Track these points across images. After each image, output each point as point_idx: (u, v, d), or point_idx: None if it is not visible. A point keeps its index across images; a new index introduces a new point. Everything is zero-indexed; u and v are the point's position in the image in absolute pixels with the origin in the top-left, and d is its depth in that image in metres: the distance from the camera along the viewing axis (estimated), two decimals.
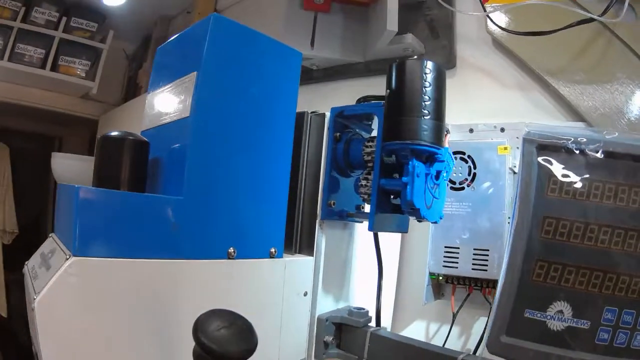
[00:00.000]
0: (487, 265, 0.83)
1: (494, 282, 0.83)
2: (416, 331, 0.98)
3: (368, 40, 1.11)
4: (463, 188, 0.87)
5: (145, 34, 2.02)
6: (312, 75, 1.32)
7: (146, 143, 0.59)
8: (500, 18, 0.92)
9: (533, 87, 0.92)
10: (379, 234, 0.77)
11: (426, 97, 0.58)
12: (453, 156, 0.87)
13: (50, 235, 0.63)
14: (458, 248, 0.86)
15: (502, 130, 0.91)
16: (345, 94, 1.18)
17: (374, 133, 0.74)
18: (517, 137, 0.88)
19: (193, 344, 0.41)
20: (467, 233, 0.86)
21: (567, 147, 0.54)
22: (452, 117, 0.95)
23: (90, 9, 1.76)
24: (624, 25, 0.79)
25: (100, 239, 0.48)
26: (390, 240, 0.96)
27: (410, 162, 0.57)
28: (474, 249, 0.85)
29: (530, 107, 0.92)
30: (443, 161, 0.61)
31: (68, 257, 0.47)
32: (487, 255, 0.83)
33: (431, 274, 0.89)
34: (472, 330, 0.92)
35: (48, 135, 2.22)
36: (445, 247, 0.88)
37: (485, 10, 0.89)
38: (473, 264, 0.85)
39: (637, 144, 0.53)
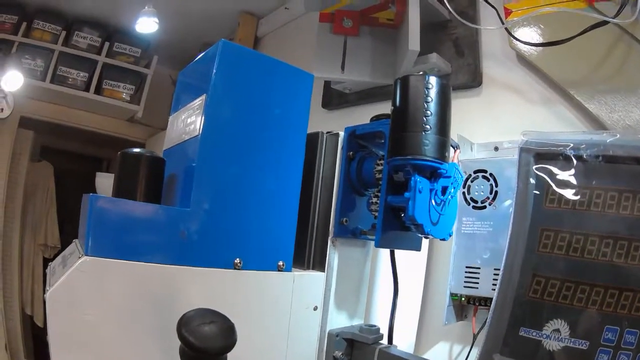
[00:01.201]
0: None
1: None
2: (439, 352, 1.00)
3: (396, 61, 1.17)
4: (485, 207, 0.90)
5: (189, 60, 2.16)
6: (347, 99, 1.40)
7: (161, 160, 0.68)
8: (522, 32, 0.95)
9: (557, 101, 0.94)
10: (403, 253, 0.81)
11: (428, 112, 0.62)
12: (473, 173, 0.91)
13: (74, 241, 0.70)
14: (479, 268, 0.89)
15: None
16: None
17: None
18: None
19: None
20: (488, 253, 0.88)
21: (566, 154, 0.55)
22: (478, 135, 0.99)
23: (133, 35, 1.92)
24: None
25: (110, 242, 0.55)
26: (416, 261, 0.99)
27: (412, 178, 0.62)
28: (495, 269, 0.87)
29: (555, 121, 0.94)
30: (449, 177, 0.65)
31: (81, 256, 0.53)
32: None
33: (453, 295, 0.92)
34: None
35: (97, 157, 2.41)
36: (467, 267, 0.90)
37: (503, 23, 0.93)
38: (494, 285, 0.86)
39: None
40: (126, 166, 0.66)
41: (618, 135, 0.55)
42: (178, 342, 0.55)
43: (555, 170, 0.56)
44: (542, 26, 0.94)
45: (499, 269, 0.85)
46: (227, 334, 0.45)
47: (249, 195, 0.65)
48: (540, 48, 0.93)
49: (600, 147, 0.55)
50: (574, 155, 0.56)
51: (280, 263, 0.67)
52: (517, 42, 0.95)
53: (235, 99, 0.65)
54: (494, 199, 0.90)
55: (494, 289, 0.85)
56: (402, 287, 0.82)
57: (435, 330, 1.02)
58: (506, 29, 0.93)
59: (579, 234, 0.54)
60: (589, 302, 0.53)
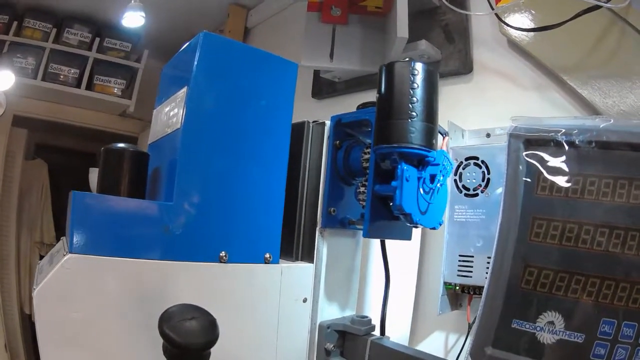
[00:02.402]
0: None
1: None
2: (434, 342, 0.99)
3: (385, 49, 1.14)
4: (477, 194, 0.88)
5: None
6: (336, 88, 1.37)
7: (145, 154, 0.66)
8: (514, 18, 0.93)
9: (550, 87, 0.92)
10: (396, 243, 0.79)
11: (414, 99, 0.60)
12: (464, 160, 0.89)
13: (62, 238, 0.70)
14: (472, 256, 0.87)
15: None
16: None
17: None
18: None
19: None
20: (481, 241, 0.86)
21: (557, 140, 0.53)
22: (470, 122, 0.97)
23: (123, 30, 1.89)
24: (637, 14, 0.78)
25: (94, 239, 0.53)
26: (409, 250, 0.97)
27: (399, 166, 0.60)
28: (488, 257, 0.84)
29: (548, 107, 0.91)
30: (437, 164, 0.63)
31: (65, 253, 0.52)
32: None
33: (447, 284, 0.90)
34: None
35: (90, 153, 2.38)
36: (460, 255, 0.88)
37: (492, 9, 0.90)
38: (487, 273, 0.84)
39: (636, 130, 0.51)
40: (109, 162, 0.65)
41: (612, 121, 0.52)
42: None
43: (546, 156, 0.54)
44: (533, 11, 0.91)
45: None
46: (209, 329, 0.43)
47: (233, 187, 0.63)
48: (532, 34, 0.91)
49: (593, 132, 0.52)
50: (566, 141, 0.53)
51: (267, 255, 0.65)
52: (508, 28, 0.93)
53: (217, 90, 0.63)
54: (486, 186, 0.87)
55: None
56: (395, 276, 0.80)
57: (429, 320, 1.00)
58: (497, 14, 0.90)
59: (573, 222, 0.52)
60: (585, 293, 0.50)
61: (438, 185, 0.65)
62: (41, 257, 2.02)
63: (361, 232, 0.80)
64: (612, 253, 0.51)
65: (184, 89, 0.62)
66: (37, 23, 1.75)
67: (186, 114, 0.60)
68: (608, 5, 0.73)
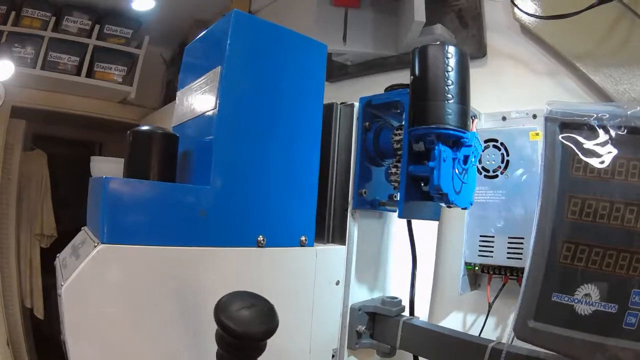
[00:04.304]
0: (522, 253, 0.86)
1: None
2: (453, 322, 1.01)
3: (399, 33, 1.15)
4: (497, 176, 0.90)
5: (181, 38, 2.13)
6: (347, 71, 1.38)
7: (175, 136, 0.64)
8: (526, 4, 0.94)
9: (563, 73, 0.94)
10: (415, 224, 0.81)
11: (449, 82, 0.62)
12: (483, 142, 0.91)
13: (82, 228, 0.67)
14: (493, 237, 0.89)
15: (534, 116, 0.93)
16: (380, 87, 1.22)
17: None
18: None
19: None
20: (501, 222, 0.89)
21: (590, 124, 0.55)
22: (485, 105, 0.99)
23: (124, 16, 1.88)
24: None
25: (128, 227, 0.52)
26: (428, 231, 1.00)
27: (436, 147, 0.61)
28: (509, 237, 0.87)
29: (561, 92, 0.93)
30: (470, 145, 0.65)
31: (96, 244, 0.50)
32: (522, 243, 0.86)
33: (467, 264, 0.92)
34: (508, 320, 0.94)
35: (89, 142, 2.36)
36: (481, 236, 0.90)
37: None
38: (508, 253, 0.87)
39: None
40: (138, 145, 0.63)
41: (638, 108, 0.55)
42: (205, 327, 0.54)
43: (580, 139, 0.56)
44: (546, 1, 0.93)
45: (513, 237, 0.87)
46: (269, 317, 0.42)
47: (269, 169, 0.63)
48: (545, 21, 0.92)
49: (622, 118, 0.55)
50: (598, 125, 0.55)
51: (303, 238, 0.66)
52: (522, 14, 0.95)
53: (251, 70, 0.63)
54: (505, 167, 0.90)
55: (509, 257, 0.87)
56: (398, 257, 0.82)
57: (448, 300, 1.03)
58: (513, 2, 0.92)
59: (605, 200, 0.54)
60: (617, 266, 0.53)
61: (470, 165, 0.67)
62: (42, 250, 2.02)
63: (388, 213, 0.82)
64: (638, 230, 0.53)
65: (217, 69, 0.61)
66: (36, 12, 1.72)
67: (221, 95, 0.59)
68: None
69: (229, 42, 0.60)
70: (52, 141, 2.20)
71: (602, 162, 0.55)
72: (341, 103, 0.77)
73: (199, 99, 0.66)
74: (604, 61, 0.86)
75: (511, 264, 0.87)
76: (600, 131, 0.56)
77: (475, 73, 1.06)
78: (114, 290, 0.50)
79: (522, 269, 0.86)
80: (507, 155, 0.89)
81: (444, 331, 0.69)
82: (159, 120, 1.99)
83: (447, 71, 0.62)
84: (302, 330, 0.67)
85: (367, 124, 0.75)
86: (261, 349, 0.42)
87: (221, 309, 0.40)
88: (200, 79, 0.67)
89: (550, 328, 0.54)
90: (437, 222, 1.02)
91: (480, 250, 0.90)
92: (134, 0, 1.44)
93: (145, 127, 0.64)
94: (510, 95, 1.00)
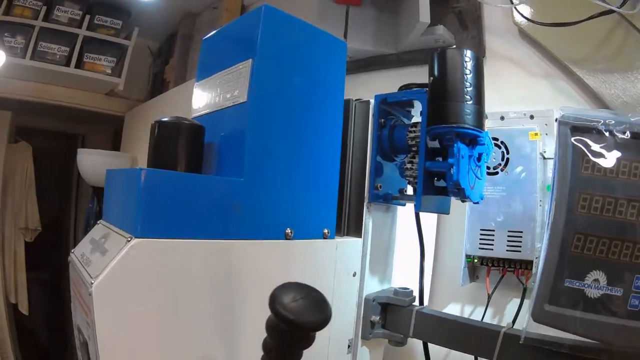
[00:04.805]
0: (520, 246, 0.91)
1: (527, 263, 0.91)
2: (453, 312, 1.06)
3: (399, 31, 1.19)
4: (497, 172, 0.95)
5: (169, 30, 2.12)
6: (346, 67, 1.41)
7: (202, 127, 0.65)
8: (526, 9, 0.99)
9: (559, 76, 0.99)
10: (414, 217, 0.85)
11: (467, 84, 0.66)
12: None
13: (98, 222, 0.66)
14: (493, 231, 0.94)
15: (532, 117, 0.99)
16: (379, 84, 1.26)
17: (414, 119, 0.83)
18: (546, 124, 0.95)
19: (253, 322, 0.49)
20: (501, 216, 0.94)
21: (598, 128, 0.61)
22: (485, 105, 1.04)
23: (114, 7, 1.86)
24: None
25: (162, 220, 0.51)
26: (426, 224, 1.04)
27: (455, 145, 0.65)
28: (509, 231, 0.92)
29: (557, 95, 0.99)
30: (484, 144, 0.69)
31: (129, 239, 0.48)
32: (521, 237, 0.91)
33: (467, 257, 0.97)
34: (505, 311, 0.99)
35: (71, 134, 2.33)
36: (481, 229, 0.95)
37: (512, 3, 0.97)
38: (508, 246, 0.92)
39: None
40: (164, 136, 0.62)
41: None
42: (238, 319, 0.56)
43: (589, 142, 0.61)
44: (545, 5, 0.98)
45: (512, 231, 0.92)
46: (323, 307, 0.43)
47: (297, 162, 0.65)
48: (542, 25, 0.98)
49: (626, 124, 0.61)
50: (605, 130, 0.61)
51: (325, 230, 0.69)
52: (521, 19, 1.00)
53: (279, 64, 0.64)
54: (505, 165, 0.95)
55: (508, 250, 0.92)
56: (414, 250, 0.86)
57: (446, 291, 1.07)
58: (515, 8, 0.97)
59: (610, 197, 0.60)
60: (621, 255, 0.58)
61: (484, 163, 0.71)
62: (27, 244, 1.98)
63: (392, 206, 0.86)
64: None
65: (248, 62, 0.61)
66: (27, 1, 1.68)
67: (252, 87, 0.60)
68: (620, 10, 0.81)
69: (260, 35, 0.61)
70: (33, 133, 2.16)
71: (608, 163, 0.61)
72: (356, 100, 0.80)
73: (226, 91, 0.66)
74: (598, 66, 0.91)
75: (510, 256, 0.92)
76: (607, 135, 0.61)
77: None
78: (148, 287, 0.49)
79: (520, 261, 0.92)
80: (507, 153, 0.94)
81: (456, 319, 0.73)
82: (146, 112, 1.98)
83: (466, 74, 0.66)
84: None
85: (382, 120, 0.78)
86: (311, 340, 0.43)
87: (277, 299, 0.41)
88: (225, 71, 0.67)
89: (563, 310, 0.59)
90: (434, 216, 1.07)
91: (480, 243, 0.95)
92: None
93: (170, 118, 0.64)
94: (508, 96, 1.05)
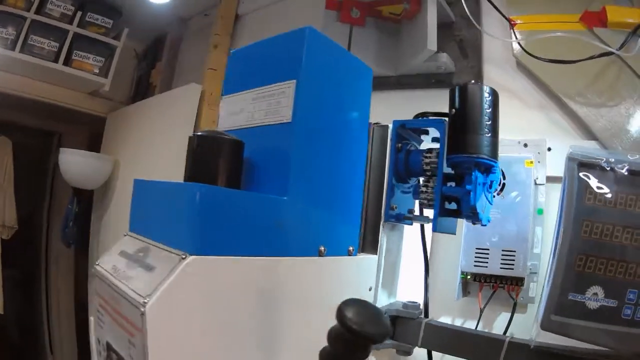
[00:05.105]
0: (513, 264, 1.00)
1: (519, 280, 1.00)
2: None
3: (401, 54, 1.26)
4: (494, 196, 1.03)
5: (156, 33, 2.13)
6: None
7: (242, 143, 0.66)
8: (526, 44, 1.09)
9: (552, 108, 1.08)
10: (407, 235, 0.92)
11: (486, 117, 0.73)
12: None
13: (125, 234, 0.66)
14: (488, 250, 1.02)
15: (525, 145, 1.08)
16: (377, 105, 1.32)
17: (423, 144, 0.90)
18: (539, 152, 1.05)
19: (292, 336, 0.55)
20: (496, 236, 1.02)
21: (601, 165, 0.70)
22: None
23: (106, 5, 1.85)
24: (634, 56, 0.98)
25: (214, 237, 0.52)
26: (414, 241, 1.12)
27: (473, 173, 0.72)
28: (502, 250, 1.01)
29: (550, 125, 1.08)
30: (495, 173, 0.77)
31: (183, 256, 0.49)
32: (514, 256, 1.00)
33: (462, 273, 1.05)
34: (494, 324, 1.08)
35: (48, 131, 2.28)
36: (477, 248, 1.03)
37: (516, 37, 1.06)
38: (501, 264, 1.00)
39: None
40: (204, 150, 0.62)
41: (637, 156, 0.71)
42: (279, 334, 0.59)
43: (593, 176, 0.71)
44: (544, 40, 1.07)
45: (506, 250, 1.01)
46: (383, 321, 0.46)
47: (331, 183, 0.69)
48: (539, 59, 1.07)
49: (625, 163, 0.70)
50: (607, 166, 0.70)
51: (350, 248, 0.73)
52: (519, 52, 1.09)
53: (319, 86, 0.66)
54: (501, 189, 1.04)
55: (502, 267, 1.01)
56: (409, 266, 0.93)
57: (439, 304, 1.14)
58: (519, 43, 1.06)
59: (609, 223, 0.69)
60: (617, 273, 0.68)
61: (493, 189, 0.79)
62: (2, 241, 1.94)
63: (398, 225, 0.93)
64: (633, 246, 0.69)
65: (292, 83, 0.64)
66: None
67: (297, 108, 0.62)
68: (619, 52, 0.91)
69: (304, 57, 0.64)
70: (11, 128, 2.11)
71: (608, 195, 0.70)
72: (375, 123, 0.87)
73: (266, 109, 0.68)
74: (591, 100, 1.01)
75: (504, 273, 1.00)
76: (608, 171, 0.70)
77: None
78: (199, 304, 0.50)
79: (512, 278, 1.01)
80: (504, 178, 1.03)
81: (463, 329, 0.81)
82: (131, 115, 1.98)
83: (485, 108, 0.73)
84: None
85: (399, 145, 0.85)
86: (369, 352, 0.47)
87: (344, 311, 0.45)
88: (264, 88, 0.69)
89: (568, 320, 0.68)
90: (429, 234, 1.14)
91: (476, 261, 1.03)
92: None
93: (210, 133, 0.64)
94: (503, 124, 1.10)
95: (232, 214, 0.54)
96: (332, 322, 0.58)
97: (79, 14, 1.80)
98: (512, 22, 1.10)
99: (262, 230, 0.58)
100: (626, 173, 0.70)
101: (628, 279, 0.68)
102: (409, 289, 0.95)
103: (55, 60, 1.77)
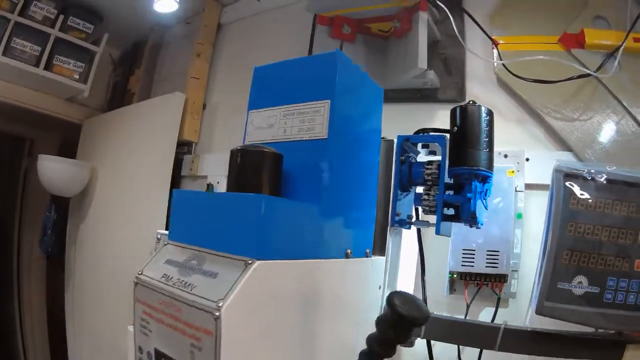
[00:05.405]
0: (497, 263, 1.13)
1: (502, 277, 1.13)
2: None
3: (389, 70, 1.37)
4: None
5: (133, 39, 2.15)
6: None
7: (282, 156, 0.71)
8: (506, 63, 1.23)
9: (530, 122, 1.23)
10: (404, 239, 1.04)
11: (484, 135, 0.85)
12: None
13: (166, 243, 0.70)
14: (474, 250, 1.15)
15: (505, 156, 1.22)
16: None
17: (420, 156, 1.01)
18: (518, 162, 1.19)
19: (327, 331, 0.65)
20: (481, 238, 1.15)
21: (583, 175, 0.83)
22: None
23: (89, 10, 1.87)
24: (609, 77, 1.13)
25: (273, 243, 0.58)
26: (411, 243, 1.23)
27: (473, 183, 0.84)
28: (487, 251, 1.14)
29: (528, 138, 1.23)
30: (489, 182, 0.89)
31: (250, 261, 0.54)
32: (498, 255, 1.13)
33: (450, 272, 1.18)
34: (479, 317, 1.21)
35: (18, 136, 2.26)
36: (464, 249, 1.16)
37: (500, 57, 1.20)
38: (486, 263, 1.14)
39: (627, 174, 0.84)
40: (250, 162, 0.68)
41: (614, 168, 0.85)
42: (320, 328, 0.69)
43: (576, 185, 0.84)
44: (525, 62, 1.22)
45: (491, 251, 1.14)
46: (424, 308, 0.56)
47: (355, 192, 0.79)
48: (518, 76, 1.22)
49: (603, 173, 0.84)
50: (588, 177, 0.84)
51: (367, 250, 0.83)
52: (500, 70, 1.23)
53: (346, 105, 0.75)
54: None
55: (487, 266, 1.14)
56: (401, 266, 1.05)
57: (429, 301, 1.27)
58: (504, 65, 1.19)
59: (589, 224, 0.83)
60: (597, 264, 0.82)
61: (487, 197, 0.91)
62: None
63: (401, 229, 1.04)
64: (611, 242, 0.83)
65: (326, 102, 0.72)
66: None
67: (332, 126, 0.71)
68: (595, 74, 1.06)
69: (337, 79, 0.72)
70: None
71: (589, 200, 0.83)
72: (381, 137, 0.97)
73: (299, 125, 0.75)
74: (566, 116, 1.16)
75: (488, 271, 1.13)
76: (589, 180, 0.84)
77: None
78: (263, 306, 0.56)
79: (496, 275, 1.14)
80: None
81: (461, 320, 0.93)
82: (108, 122, 2.00)
83: (482, 127, 0.85)
84: (361, 326, 0.84)
85: (402, 157, 0.96)
86: (410, 335, 0.57)
87: (393, 299, 0.55)
88: (297, 105, 0.76)
89: (557, 305, 0.82)
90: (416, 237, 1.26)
91: (463, 261, 1.16)
92: (156, 1, 1.49)
93: (252, 146, 0.70)
94: None
95: (286, 222, 0.61)
96: (355, 315, 0.74)
97: (61, 17, 1.80)
98: (496, 42, 1.24)
99: (307, 235, 0.67)
100: (604, 182, 0.84)
101: (607, 269, 0.82)
102: (402, 287, 1.06)
103: (37, 65, 1.77)
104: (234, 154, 0.70)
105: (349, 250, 0.77)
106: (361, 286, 0.83)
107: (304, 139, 0.74)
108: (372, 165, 0.87)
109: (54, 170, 1.84)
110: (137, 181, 1.78)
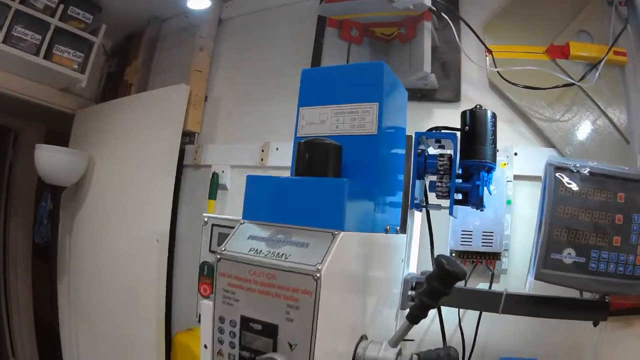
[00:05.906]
0: (492, 242, 1.39)
1: (496, 255, 1.40)
2: None
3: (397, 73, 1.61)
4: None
5: (129, 31, 2.28)
6: None
7: (341, 147, 0.88)
8: (499, 69, 1.49)
9: (518, 121, 1.49)
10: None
11: (490, 133, 1.10)
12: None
13: (242, 221, 0.81)
14: (471, 231, 1.41)
15: (497, 151, 1.49)
16: None
17: (430, 149, 1.25)
18: (507, 156, 1.46)
19: (377, 289, 0.86)
20: (478, 220, 1.41)
21: (570, 168, 1.10)
22: None
23: (88, 0, 1.99)
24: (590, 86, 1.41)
25: (349, 217, 0.74)
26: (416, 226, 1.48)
27: (481, 173, 1.09)
28: (483, 232, 1.40)
29: (516, 135, 1.49)
30: (492, 172, 1.15)
31: (336, 232, 0.69)
32: (492, 235, 1.39)
33: (450, 251, 1.44)
34: None
35: (3, 127, 2.32)
36: (462, 230, 1.42)
37: (494, 64, 1.46)
38: (482, 242, 1.40)
39: (606, 168, 1.10)
40: (317, 152, 0.85)
41: (596, 163, 1.11)
42: (377, 287, 0.91)
43: (564, 175, 1.10)
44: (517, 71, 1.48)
45: (486, 231, 1.40)
46: (463, 268, 0.74)
47: (393, 179, 1.01)
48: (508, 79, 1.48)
49: (587, 167, 1.10)
50: (575, 170, 1.10)
51: (398, 228, 1.05)
52: (493, 75, 1.50)
53: (388, 105, 0.94)
54: None
55: (483, 245, 1.41)
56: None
57: None
58: (498, 72, 1.46)
59: (575, 207, 1.09)
60: (582, 239, 1.07)
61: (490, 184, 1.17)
62: None
63: (414, 211, 1.28)
64: (593, 222, 1.09)
65: (374, 105, 0.91)
66: None
67: (380, 124, 0.90)
68: (579, 83, 1.34)
69: (383, 86, 0.92)
70: None
71: (575, 188, 1.10)
72: None
73: (350, 122, 0.93)
74: (550, 117, 1.43)
75: (484, 249, 1.39)
76: (575, 172, 1.11)
77: (452, 113, 1.61)
78: (345, 268, 0.71)
79: (491, 253, 1.41)
80: None
81: (469, 289, 1.18)
82: (102, 113, 2.12)
83: (488, 127, 1.10)
84: (391, 293, 1.06)
85: (419, 151, 1.20)
86: (451, 291, 0.77)
87: (440, 260, 0.73)
88: (349, 105, 0.94)
89: (551, 272, 1.07)
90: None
91: (462, 240, 1.42)
92: None
93: (317, 139, 0.86)
94: None
95: (357, 201, 0.79)
96: (386, 279, 0.92)
97: (62, 7, 1.91)
98: (489, 50, 1.50)
99: (367, 212, 0.87)
100: (587, 174, 1.11)
101: (591, 243, 1.09)
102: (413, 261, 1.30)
103: (37, 54, 1.87)
104: (302, 145, 0.87)
105: (388, 226, 0.99)
106: (393, 257, 1.05)
107: (356, 134, 0.94)
108: (401, 157, 1.10)
109: (51, 160, 1.94)
110: (140, 169, 1.93)
